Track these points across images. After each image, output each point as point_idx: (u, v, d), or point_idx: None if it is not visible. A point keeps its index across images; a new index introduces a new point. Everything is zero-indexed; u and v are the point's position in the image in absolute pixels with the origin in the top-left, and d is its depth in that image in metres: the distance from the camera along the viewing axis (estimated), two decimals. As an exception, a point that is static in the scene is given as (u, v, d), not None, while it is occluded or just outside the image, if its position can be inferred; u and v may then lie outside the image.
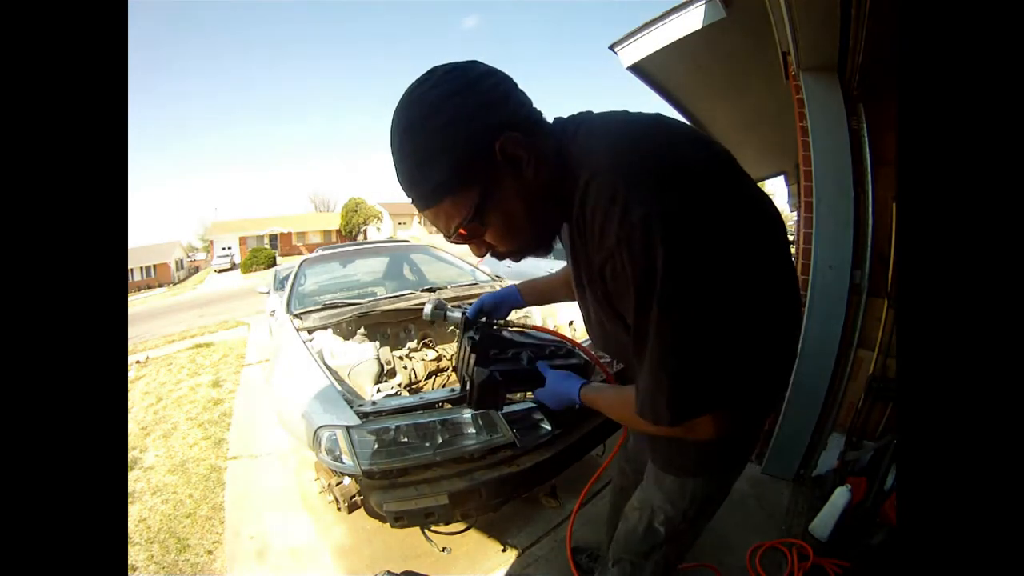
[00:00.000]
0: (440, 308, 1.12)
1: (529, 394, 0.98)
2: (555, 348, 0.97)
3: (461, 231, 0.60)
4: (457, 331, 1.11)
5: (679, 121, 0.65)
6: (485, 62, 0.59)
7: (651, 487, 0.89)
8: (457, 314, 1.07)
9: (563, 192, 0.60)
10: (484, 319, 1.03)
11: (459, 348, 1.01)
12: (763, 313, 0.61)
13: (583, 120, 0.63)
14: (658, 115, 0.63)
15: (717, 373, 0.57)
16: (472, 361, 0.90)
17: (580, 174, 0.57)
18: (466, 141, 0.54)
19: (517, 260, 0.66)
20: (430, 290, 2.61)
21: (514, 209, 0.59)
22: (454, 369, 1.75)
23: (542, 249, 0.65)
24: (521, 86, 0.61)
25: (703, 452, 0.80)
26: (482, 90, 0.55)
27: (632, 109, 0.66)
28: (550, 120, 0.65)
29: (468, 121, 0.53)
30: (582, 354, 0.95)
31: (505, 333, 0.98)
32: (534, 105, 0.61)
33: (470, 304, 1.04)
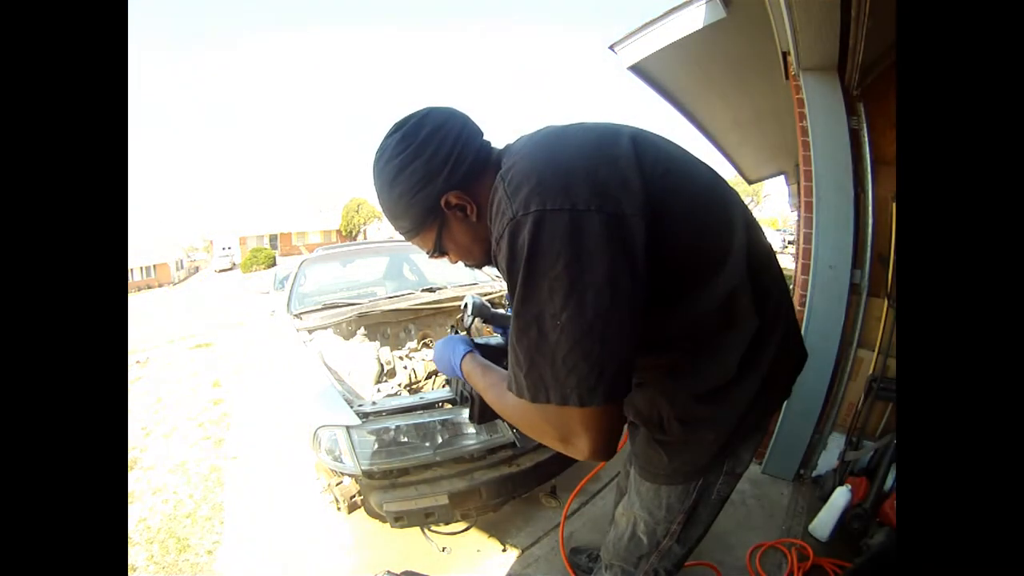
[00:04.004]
0: (482, 311, 1.04)
1: None
2: None
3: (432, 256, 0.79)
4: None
5: (601, 126, 0.69)
6: (439, 107, 0.72)
7: (632, 493, 0.87)
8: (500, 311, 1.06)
9: None
10: (473, 320, 1.03)
11: None
12: (677, 315, 0.65)
13: (518, 142, 0.72)
14: (579, 124, 0.70)
15: (588, 360, 0.55)
16: None
17: None
18: (418, 204, 0.70)
19: (478, 269, 0.79)
20: (430, 290, 2.61)
21: (463, 241, 0.75)
22: (447, 382, 1.76)
23: (492, 264, 0.80)
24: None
25: (674, 457, 0.77)
26: (426, 158, 0.67)
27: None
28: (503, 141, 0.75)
29: (416, 192, 0.69)
30: None
31: (492, 341, 0.98)
32: (484, 138, 0.73)
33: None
